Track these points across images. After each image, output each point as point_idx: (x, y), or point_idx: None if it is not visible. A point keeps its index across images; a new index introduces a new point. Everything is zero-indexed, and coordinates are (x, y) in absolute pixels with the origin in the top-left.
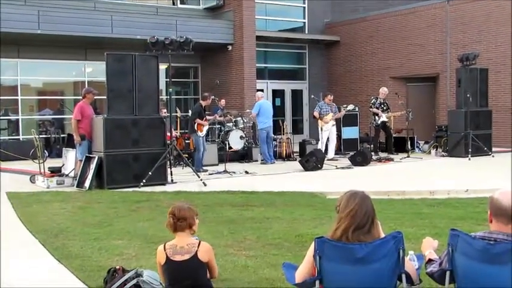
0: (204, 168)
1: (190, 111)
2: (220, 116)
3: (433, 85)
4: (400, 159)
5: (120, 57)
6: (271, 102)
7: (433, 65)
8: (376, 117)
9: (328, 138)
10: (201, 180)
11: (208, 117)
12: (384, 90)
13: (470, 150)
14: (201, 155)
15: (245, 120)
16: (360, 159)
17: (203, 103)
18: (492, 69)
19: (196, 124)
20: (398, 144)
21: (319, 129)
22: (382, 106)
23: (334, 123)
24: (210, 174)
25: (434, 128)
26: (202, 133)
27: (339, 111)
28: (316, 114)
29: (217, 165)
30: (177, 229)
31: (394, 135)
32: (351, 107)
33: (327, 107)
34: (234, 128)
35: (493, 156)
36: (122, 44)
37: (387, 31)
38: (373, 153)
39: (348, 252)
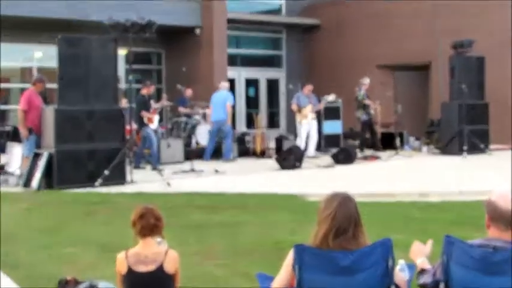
0: (163, 167)
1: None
2: (186, 108)
3: (425, 74)
4: (388, 157)
5: (73, 41)
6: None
7: (424, 52)
8: (368, 110)
9: (307, 133)
10: (165, 179)
11: (155, 105)
12: (367, 81)
13: (465, 147)
14: (156, 150)
15: None
16: (343, 157)
17: (145, 92)
18: (490, 57)
19: (144, 117)
20: (385, 141)
21: (298, 123)
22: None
23: (315, 116)
24: (174, 173)
25: (425, 122)
26: (153, 125)
27: (319, 102)
28: (294, 106)
29: (182, 163)
30: (150, 233)
31: (382, 131)
32: (331, 97)
33: (305, 99)
34: (202, 121)
35: (490, 153)
36: (75, 26)
37: (374, 14)
38: (358, 150)
39: (330, 261)
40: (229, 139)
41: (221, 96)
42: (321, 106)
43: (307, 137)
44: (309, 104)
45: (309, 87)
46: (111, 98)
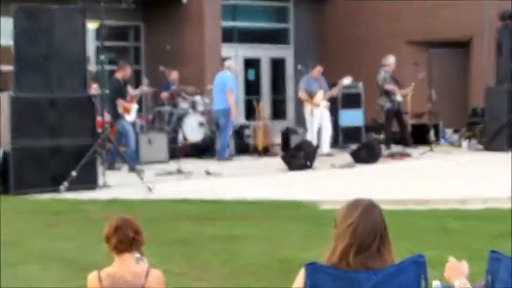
0: (143, 168)
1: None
2: (170, 95)
3: (465, 52)
4: (421, 154)
5: (32, 12)
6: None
7: (465, 25)
8: (392, 97)
9: (320, 126)
10: (146, 183)
11: (132, 91)
12: (390, 60)
13: None
14: (133, 147)
15: (206, 101)
16: (366, 155)
17: (120, 75)
18: None
19: (120, 106)
20: (417, 134)
21: (307, 114)
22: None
23: (328, 104)
24: (157, 175)
25: (466, 111)
26: (130, 116)
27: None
28: (302, 94)
29: (167, 162)
30: (127, 249)
31: (412, 122)
32: (347, 80)
33: (315, 83)
34: (190, 111)
35: None
36: None
37: None
38: (383, 146)
39: (351, 282)
40: (225, 134)
41: (221, 79)
42: (335, 92)
43: (320, 130)
44: (320, 89)
45: (318, 69)
46: (79, 82)
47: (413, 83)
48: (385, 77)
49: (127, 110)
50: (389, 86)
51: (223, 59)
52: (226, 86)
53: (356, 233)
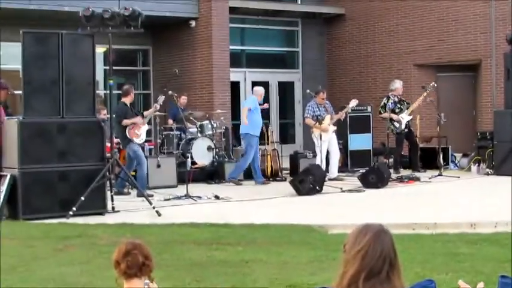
0: (151, 192)
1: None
2: (179, 119)
3: (474, 76)
4: (429, 178)
5: (41, 37)
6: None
7: (474, 48)
8: (395, 123)
9: (328, 149)
10: (154, 208)
11: (146, 112)
12: (397, 85)
13: None
14: (144, 171)
15: (214, 125)
16: (374, 179)
17: (126, 100)
18: None
19: (128, 129)
20: (426, 158)
21: (314, 138)
22: (399, 106)
23: (335, 128)
24: (166, 199)
25: (475, 135)
26: (139, 139)
27: (340, 111)
28: (309, 121)
29: (175, 187)
30: (137, 274)
31: (421, 146)
32: (353, 103)
33: (321, 109)
34: (199, 135)
35: None
36: (44, 19)
37: (410, 1)
38: (392, 170)
39: None
40: (245, 157)
41: (246, 102)
42: (341, 115)
43: (328, 155)
44: (327, 114)
45: (321, 96)
46: (88, 107)
47: (424, 95)
48: (389, 104)
49: (134, 134)
50: (386, 115)
51: (231, 83)
52: (244, 104)
53: (366, 259)
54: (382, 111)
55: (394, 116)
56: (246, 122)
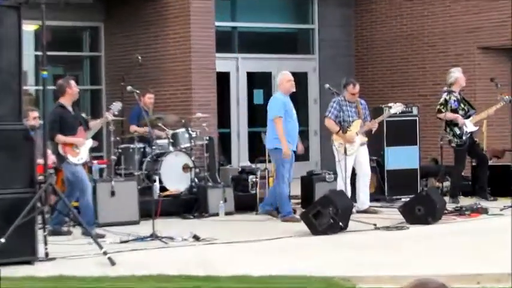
0: (102, 231)
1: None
2: (142, 126)
3: None
4: (501, 210)
5: None
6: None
7: None
8: (456, 129)
9: (354, 168)
10: (106, 253)
11: (92, 122)
12: (456, 75)
13: None
14: (89, 200)
15: (193, 134)
16: (423, 211)
17: (64, 100)
18: None
19: (60, 145)
20: (497, 180)
21: (336, 151)
22: (463, 107)
23: (366, 139)
24: (123, 241)
25: None
26: (77, 158)
27: (375, 116)
28: (331, 124)
29: (137, 223)
30: None
31: (490, 163)
32: (397, 108)
33: (350, 108)
34: (171, 149)
35: None
36: None
37: None
38: (447, 198)
39: None
40: (276, 182)
41: (269, 105)
42: (373, 124)
43: (356, 176)
44: (357, 118)
45: (352, 88)
46: (11, 109)
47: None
48: (449, 100)
49: (72, 150)
50: (450, 116)
51: (219, 75)
52: (271, 113)
53: None
54: (443, 110)
55: (459, 119)
56: (282, 138)
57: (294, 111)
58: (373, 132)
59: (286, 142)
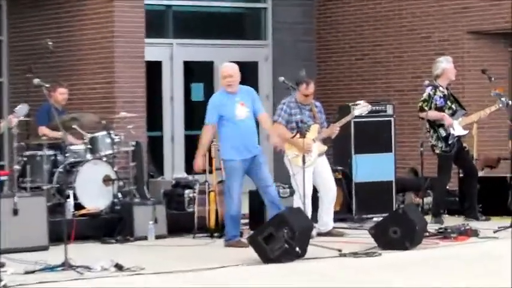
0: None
1: None
2: (53, 128)
3: None
4: (495, 232)
5: None
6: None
7: None
8: (441, 131)
9: (315, 183)
10: (5, 287)
11: None
12: (443, 65)
13: None
14: None
15: (116, 138)
16: (399, 234)
17: None
18: None
19: None
20: (489, 196)
21: (292, 164)
22: (450, 105)
23: (325, 148)
24: (28, 272)
25: None
26: None
27: (341, 117)
28: (281, 128)
29: (46, 249)
30: None
31: (480, 174)
32: (362, 108)
33: (304, 111)
34: (88, 157)
35: None
36: None
37: None
38: (429, 217)
39: None
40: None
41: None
42: (335, 128)
43: (316, 192)
44: (313, 122)
45: (305, 90)
46: None
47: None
48: (429, 97)
49: None
50: (435, 114)
51: (149, 64)
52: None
53: None
54: (425, 108)
55: (446, 118)
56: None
57: (246, 108)
58: (332, 138)
59: (203, 153)
